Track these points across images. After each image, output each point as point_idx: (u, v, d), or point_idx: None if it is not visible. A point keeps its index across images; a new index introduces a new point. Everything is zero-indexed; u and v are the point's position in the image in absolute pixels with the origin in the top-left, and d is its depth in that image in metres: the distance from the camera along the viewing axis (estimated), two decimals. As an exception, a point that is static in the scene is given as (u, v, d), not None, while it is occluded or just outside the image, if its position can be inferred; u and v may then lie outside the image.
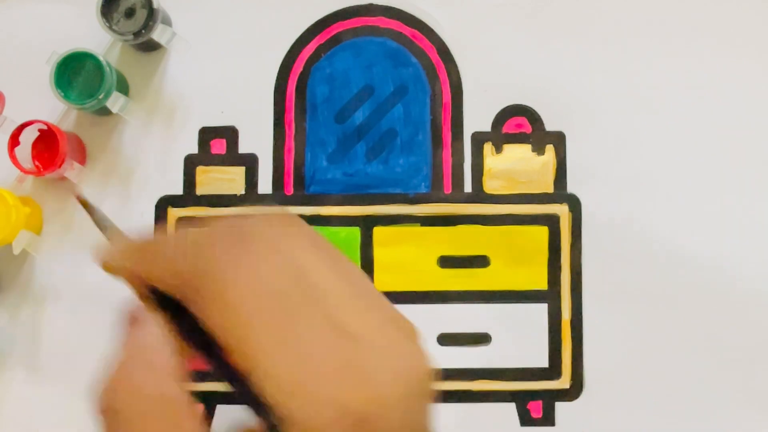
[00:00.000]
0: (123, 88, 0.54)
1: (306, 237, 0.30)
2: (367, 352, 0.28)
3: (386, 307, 0.31)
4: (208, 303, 0.29)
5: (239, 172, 0.54)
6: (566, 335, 0.53)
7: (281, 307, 0.28)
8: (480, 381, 0.53)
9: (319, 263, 0.29)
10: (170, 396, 0.32)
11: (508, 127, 0.54)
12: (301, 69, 0.55)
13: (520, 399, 0.53)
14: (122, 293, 0.54)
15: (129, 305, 0.34)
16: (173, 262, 0.31)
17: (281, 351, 0.27)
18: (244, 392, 0.29)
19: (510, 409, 0.53)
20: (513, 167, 0.54)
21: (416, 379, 0.28)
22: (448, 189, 0.54)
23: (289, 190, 0.54)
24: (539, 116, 0.54)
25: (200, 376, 0.54)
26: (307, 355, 0.27)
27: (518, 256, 0.53)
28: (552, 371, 0.53)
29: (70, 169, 0.52)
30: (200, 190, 0.54)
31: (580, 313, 0.53)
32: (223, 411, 0.53)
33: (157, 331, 0.32)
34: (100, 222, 0.41)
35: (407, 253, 0.53)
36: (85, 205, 0.42)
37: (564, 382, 0.53)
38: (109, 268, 0.36)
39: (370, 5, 0.55)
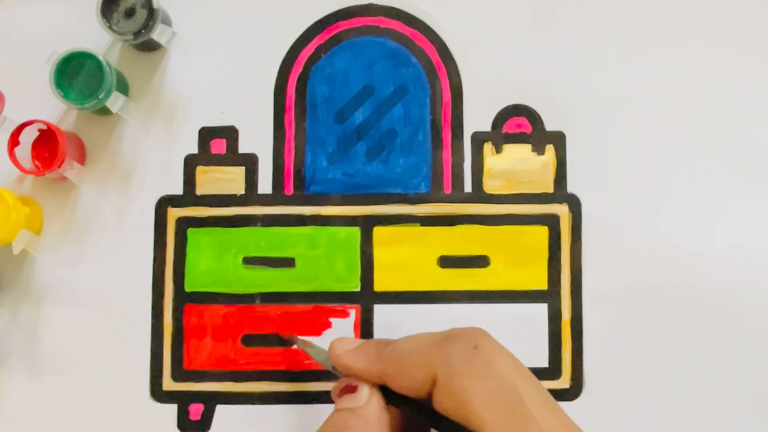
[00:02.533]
0: (123, 88, 0.54)
1: (515, 361, 0.41)
2: None
3: (574, 427, 0.40)
4: (444, 389, 0.40)
5: (239, 172, 0.54)
6: (566, 335, 0.53)
7: (502, 410, 0.38)
8: (480, 381, 0.53)
9: (529, 385, 0.39)
10: None
11: (508, 127, 0.54)
12: (301, 69, 0.55)
13: (520, 399, 0.53)
14: (122, 293, 0.54)
15: (343, 380, 0.45)
16: (414, 361, 0.42)
17: None
18: None
19: (510, 409, 0.53)
20: (513, 167, 0.54)
21: None
22: (448, 189, 0.54)
23: (289, 190, 0.54)
24: (539, 116, 0.54)
25: (200, 377, 0.55)
26: None
27: (518, 256, 0.53)
28: (552, 371, 0.53)
29: (70, 169, 0.52)
30: (200, 190, 0.54)
31: (580, 313, 0.53)
32: (223, 411, 0.53)
33: (370, 396, 0.43)
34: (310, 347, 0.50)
35: (407, 253, 0.53)
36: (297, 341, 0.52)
37: (564, 382, 0.53)
38: (345, 369, 0.45)
39: (370, 5, 0.55)
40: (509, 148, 0.54)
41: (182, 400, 0.53)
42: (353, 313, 0.53)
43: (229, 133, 0.54)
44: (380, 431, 0.42)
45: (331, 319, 0.53)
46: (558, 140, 0.54)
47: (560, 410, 0.40)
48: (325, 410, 0.52)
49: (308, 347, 0.50)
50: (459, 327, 0.43)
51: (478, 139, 0.54)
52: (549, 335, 0.53)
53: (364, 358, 0.44)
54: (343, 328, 0.53)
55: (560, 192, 0.54)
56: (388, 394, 0.43)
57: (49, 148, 0.52)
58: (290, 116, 0.54)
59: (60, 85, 0.51)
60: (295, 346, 0.52)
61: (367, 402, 0.43)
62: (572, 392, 0.52)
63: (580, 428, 0.39)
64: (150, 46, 0.54)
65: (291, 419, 0.53)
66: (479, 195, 0.54)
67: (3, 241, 0.51)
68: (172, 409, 0.53)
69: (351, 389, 0.44)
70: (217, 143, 0.54)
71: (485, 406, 0.38)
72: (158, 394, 0.53)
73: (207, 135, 0.54)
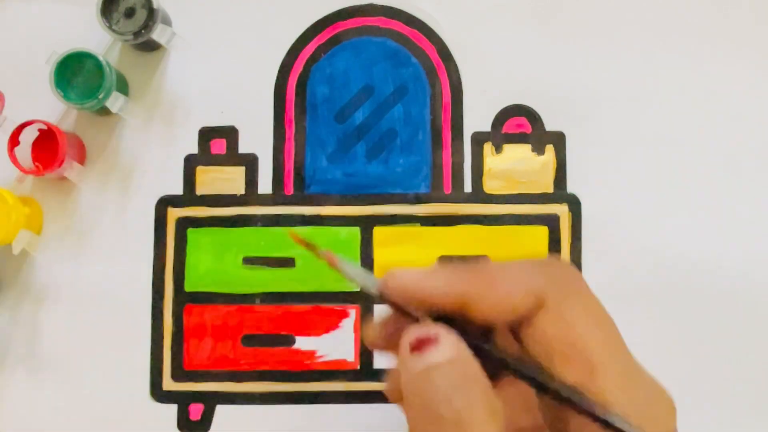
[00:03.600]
0: (123, 88, 0.54)
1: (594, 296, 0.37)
2: (654, 394, 0.38)
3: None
4: (548, 315, 0.34)
5: (239, 172, 0.54)
6: (566, 335, 0.53)
7: (613, 345, 0.36)
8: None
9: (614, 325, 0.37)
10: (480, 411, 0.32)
11: (508, 127, 0.54)
12: (301, 69, 0.55)
13: (520, 399, 0.52)
14: (122, 293, 0.54)
15: (415, 330, 0.34)
16: (511, 284, 0.34)
17: (612, 372, 0.35)
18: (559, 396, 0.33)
19: (510, 409, 0.53)
20: (513, 167, 0.54)
21: (675, 416, 0.39)
22: (448, 189, 0.54)
23: (289, 190, 0.54)
24: (539, 116, 0.54)
25: (200, 376, 0.54)
26: (637, 392, 0.36)
27: (518, 256, 0.53)
28: (552, 371, 0.53)
29: (70, 169, 0.52)
30: (200, 190, 0.54)
31: (580, 313, 0.53)
32: (223, 411, 0.53)
33: (459, 344, 0.33)
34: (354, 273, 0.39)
35: (407, 253, 0.53)
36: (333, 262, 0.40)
37: (564, 382, 0.53)
38: (413, 292, 0.35)
39: (370, 5, 0.55)
40: (509, 148, 0.54)
41: (182, 400, 0.53)
42: (353, 313, 0.53)
43: (229, 133, 0.54)
44: (486, 386, 0.32)
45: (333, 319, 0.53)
46: (558, 140, 0.54)
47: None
48: (325, 410, 0.52)
49: (339, 262, 0.39)
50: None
51: (478, 139, 0.54)
52: (549, 335, 0.53)
53: (441, 276, 0.34)
54: (343, 327, 0.53)
55: (560, 192, 0.54)
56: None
57: (49, 148, 0.52)
58: (290, 116, 0.54)
59: (60, 85, 0.51)
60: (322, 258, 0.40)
61: (459, 351, 0.33)
62: (572, 392, 0.52)
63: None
64: (150, 46, 0.54)
65: (291, 419, 0.53)
66: (479, 195, 0.54)
67: (3, 241, 0.51)
68: (172, 409, 0.53)
69: (428, 341, 0.33)
70: (217, 143, 0.54)
71: (596, 341, 0.34)
72: (158, 394, 0.53)
73: (207, 135, 0.54)
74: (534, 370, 0.34)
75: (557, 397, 0.33)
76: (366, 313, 0.53)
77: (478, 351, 0.33)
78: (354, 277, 0.37)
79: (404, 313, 0.35)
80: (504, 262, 0.36)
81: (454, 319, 0.34)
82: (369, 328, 0.37)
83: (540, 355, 0.33)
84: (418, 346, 0.33)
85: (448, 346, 0.32)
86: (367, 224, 0.54)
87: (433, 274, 0.34)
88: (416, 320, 0.34)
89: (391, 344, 0.35)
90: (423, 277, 0.34)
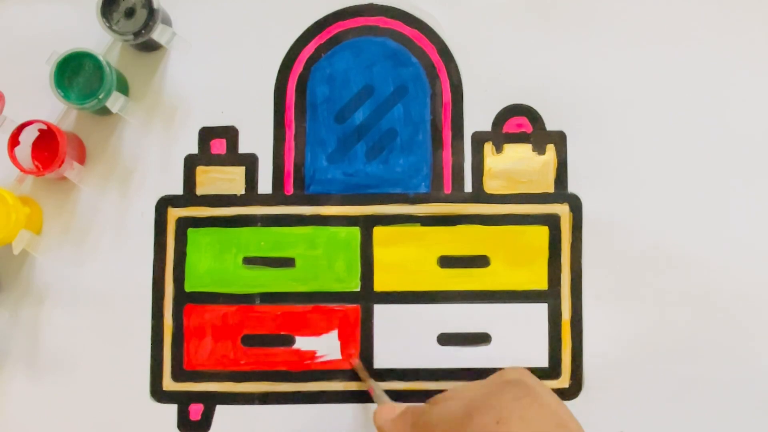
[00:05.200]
0: (123, 88, 0.54)
1: (542, 411, 0.40)
2: None
3: None
4: None
5: (239, 172, 0.54)
6: (566, 335, 0.53)
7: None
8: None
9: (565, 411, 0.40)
10: None
11: (509, 127, 0.54)
12: (301, 69, 0.55)
13: (521, 399, 0.53)
14: (122, 293, 0.54)
15: None
16: None
17: None
18: None
19: (510, 409, 0.53)
20: (513, 167, 0.54)
21: None
22: (448, 189, 0.54)
23: (289, 190, 0.54)
24: (539, 116, 0.54)
25: (200, 376, 0.54)
26: None
27: (518, 256, 0.53)
28: (552, 371, 0.53)
29: (70, 169, 0.52)
30: (200, 190, 0.54)
31: (580, 313, 0.53)
32: (223, 411, 0.53)
33: None
34: (375, 389, 0.51)
35: (407, 253, 0.53)
36: (362, 373, 0.52)
37: (564, 382, 0.53)
38: (379, 428, 0.46)
39: (370, 5, 0.55)
40: (509, 148, 0.54)
41: (182, 400, 0.53)
42: (353, 313, 0.53)
43: (229, 133, 0.54)
44: None
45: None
46: (559, 140, 0.54)
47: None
48: (325, 410, 0.52)
49: (371, 382, 0.52)
50: (496, 383, 0.42)
51: (478, 139, 0.54)
52: (549, 335, 0.53)
53: (401, 428, 0.45)
54: (343, 328, 0.53)
55: (561, 192, 0.54)
56: None
57: (49, 148, 0.52)
58: (290, 116, 0.54)
59: (60, 85, 0.51)
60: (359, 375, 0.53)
61: None
62: (572, 391, 0.52)
63: None
64: (150, 46, 0.54)
65: (291, 419, 0.53)
66: (479, 195, 0.54)
67: (3, 241, 0.51)
68: (172, 409, 0.53)
69: None
70: (217, 143, 0.54)
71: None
72: (158, 394, 0.53)
73: (207, 135, 0.54)
74: None
75: None
76: (366, 314, 0.53)
77: None
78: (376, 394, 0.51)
79: None
80: (445, 408, 0.42)
81: None
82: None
83: None
84: None
85: None
86: (367, 224, 0.54)
87: (394, 428, 0.45)
88: None
89: None
90: (385, 425, 0.46)
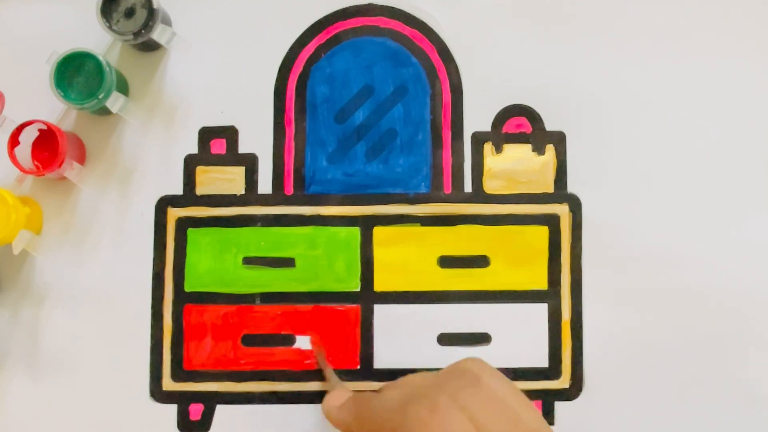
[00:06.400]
0: (123, 88, 0.54)
1: (489, 403, 0.40)
2: None
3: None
4: None
5: (239, 172, 0.54)
6: (566, 335, 0.53)
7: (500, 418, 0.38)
8: (480, 381, 0.53)
9: (519, 399, 0.40)
10: None
11: (508, 127, 0.54)
12: (301, 69, 0.55)
13: (520, 399, 0.53)
14: (122, 293, 0.54)
15: None
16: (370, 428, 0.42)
17: None
18: None
19: (510, 409, 0.53)
20: (513, 167, 0.54)
21: None
22: (448, 189, 0.54)
23: (289, 190, 0.54)
24: (539, 116, 0.54)
25: (200, 377, 0.54)
26: None
27: (518, 256, 0.53)
28: (552, 371, 0.53)
29: (70, 169, 0.52)
30: (200, 190, 0.54)
31: (580, 313, 0.53)
32: (223, 411, 0.53)
33: None
34: (329, 375, 0.51)
35: (407, 253, 0.53)
36: (321, 354, 0.52)
37: (564, 382, 0.53)
38: (326, 415, 0.47)
39: (370, 5, 0.55)
40: (509, 148, 0.54)
41: (182, 400, 0.53)
42: (353, 313, 0.53)
43: (229, 133, 0.54)
44: None
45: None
46: (558, 140, 0.54)
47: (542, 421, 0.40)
48: (325, 410, 0.53)
49: (327, 367, 0.52)
50: (445, 373, 0.42)
51: (478, 139, 0.54)
52: (549, 335, 0.53)
53: (345, 416, 0.46)
54: (343, 327, 0.53)
55: (560, 192, 0.54)
56: None
57: (49, 148, 0.52)
58: (290, 116, 0.54)
59: (60, 85, 0.51)
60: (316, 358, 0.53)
61: None
62: (572, 392, 0.52)
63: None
64: (150, 46, 0.54)
65: (291, 419, 0.53)
66: (479, 195, 0.54)
67: (3, 241, 0.51)
68: (172, 409, 0.53)
69: None
70: (217, 143, 0.54)
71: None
72: (158, 394, 0.53)
73: (207, 135, 0.54)
74: None
75: None
76: (366, 314, 0.53)
77: None
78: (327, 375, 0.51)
79: None
80: (383, 399, 0.43)
81: None
82: None
83: None
84: None
85: None
86: (367, 224, 0.54)
87: (339, 414, 0.46)
88: None
89: None
90: (334, 417, 0.46)
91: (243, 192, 0.54)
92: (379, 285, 0.53)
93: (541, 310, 0.53)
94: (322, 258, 0.53)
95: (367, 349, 0.53)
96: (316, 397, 0.53)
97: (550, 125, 0.54)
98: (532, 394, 0.52)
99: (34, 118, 0.52)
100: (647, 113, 0.54)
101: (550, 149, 0.54)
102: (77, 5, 0.54)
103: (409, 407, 0.40)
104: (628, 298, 0.53)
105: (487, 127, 0.54)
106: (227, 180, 0.54)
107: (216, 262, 0.54)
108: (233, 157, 0.54)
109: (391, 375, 0.52)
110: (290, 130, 0.54)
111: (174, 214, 0.54)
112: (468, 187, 0.54)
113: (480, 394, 0.39)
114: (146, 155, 0.54)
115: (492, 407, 0.39)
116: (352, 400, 0.46)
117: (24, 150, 0.53)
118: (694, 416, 0.52)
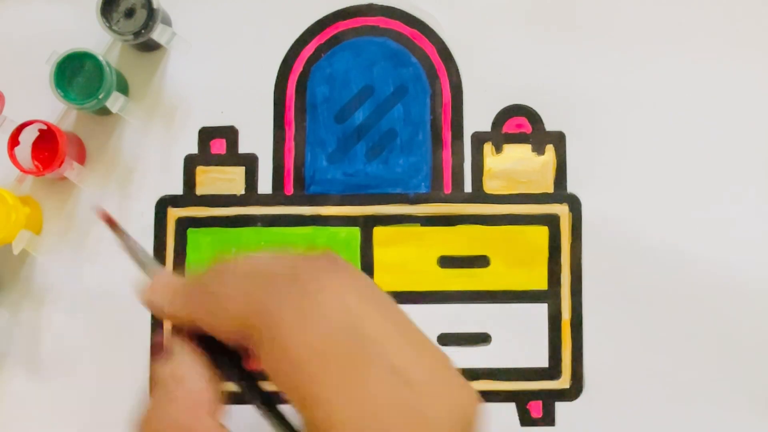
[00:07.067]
0: (123, 88, 0.54)
1: (355, 283, 0.32)
2: (425, 396, 0.30)
3: (433, 349, 0.32)
4: (264, 345, 0.31)
5: (239, 172, 0.54)
6: (566, 335, 0.53)
7: (340, 355, 0.30)
8: (480, 381, 0.53)
9: (372, 311, 0.31)
10: (204, 430, 0.33)
11: (508, 127, 0.54)
12: (301, 69, 0.55)
13: (520, 399, 0.53)
14: (121, 294, 0.54)
15: (157, 335, 0.37)
16: (226, 305, 0.32)
17: (344, 399, 0.29)
18: (284, 423, 0.33)
19: (510, 409, 0.53)
20: (513, 167, 0.54)
21: (469, 416, 0.31)
22: (448, 189, 0.54)
23: (289, 190, 0.54)
24: (539, 116, 0.54)
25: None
26: (371, 402, 0.29)
27: (518, 256, 0.53)
28: (552, 371, 0.53)
29: (70, 169, 0.52)
30: (200, 190, 0.54)
31: (580, 313, 0.53)
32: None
33: (190, 361, 0.34)
34: (135, 252, 0.40)
35: (407, 253, 0.53)
36: (117, 230, 0.41)
37: (564, 382, 0.53)
38: (152, 307, 0.37)
39: (370, 5, 0.55)
40: (509, 148, 0.54)
41: (182, 400, 0.53)
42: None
43: (229, 133, 0.54)
44: (204, 408, 0.33)
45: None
46: (558, 140, 0.54)
47: (421, 343, 0.32)
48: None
49: (126, 240, 0.40)
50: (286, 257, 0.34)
51: (478, 139, 0.54)
52: (549, 335, 0.53)
53: (176, 294, 0.36)
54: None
55: (560, 192, 0.54)
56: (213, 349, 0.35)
57: (49, 148, 0.52)
58: (290, 116, 0.54)
59: (60, 85, 0.51)
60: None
61: (190, 368, 0.34)
62: (572, 392, 0.52)
63: (442, 353, 0.32)
64: (150, 46, 0.54)
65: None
66: (479, 195, 0.54)
67: (3, 241, 0.51)
68: (172, 409, 0.53)
69: (165, 351, 0.35)
70: (217, 143, 0.54)
71: (314, 359, 0.30)
72: (158, 394, 0.53)
73: (207, 135, 0.54)
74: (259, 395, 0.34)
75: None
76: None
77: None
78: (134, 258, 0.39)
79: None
80: (232, 275, 0.34)
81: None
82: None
83: (274, 385, 0.32)
84: (161, 352, 0.34)
85: (176, 362, 0.34)
86: (367, 224, 0.54)
87: (170, 290, 0.36)
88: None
89: None
90: (161, 292, 0.36)
91: (243, 192, 0.54)
92: (380, 285, 0.53)
93: (541, 310, 0.53)
94: (322, 258, 0.53)
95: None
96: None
97: (550, 125, 0.54)
98: (532, 395, 0.52)
99: (34, 118, 0.52)
100: (647, 113, 0.54)
101: (549, 149, 0.54)
102: (77, 5, 0.54)
103: (271, 284, 0.32)
104: (628, 298, 0.53)
105: (487, 127, 0.54)
106: (227, 180, 0.54)
107: (216, 262, 0.54)
108: (233, 157, 0.54)
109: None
110: (290, 130, 0.54)
111: (174, 214, 0.54)
112: (468, 187, 0.54)
113: (347, 278, 0.32)
114: (146, 155, 0.54)
115: (366, 294, 0.32)
116: (189, 282, 0.36)
117: (24, 150, 0.53)
118: (694, 416, 0.52)
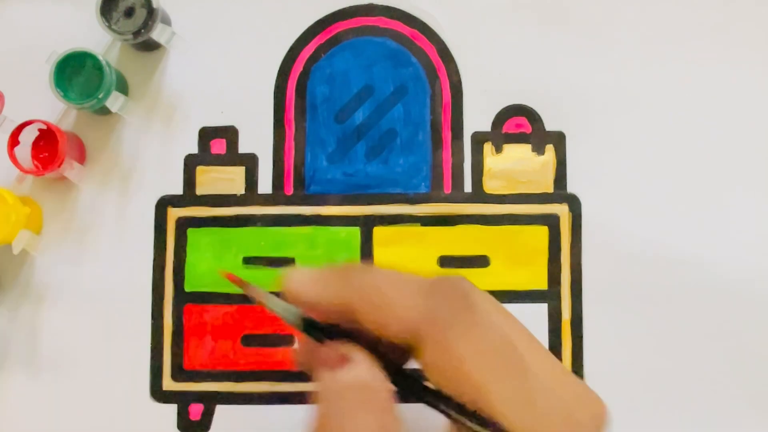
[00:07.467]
0: (122, 87, 0.54)
1: (495, 301, 0.37)
2: (571, 403, 0.35)
3: (558, 361, 0.38)
4: (428, 346, 0.35)
5: (239, 172, 0.54)
6: (566, 335, 0.53)
7: (504, 365, 0.34)
8: (480, 381, 0.53)
9: (517, 327, 0.36)
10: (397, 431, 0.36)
11: (508, 127, 0.54)
12: (301, 69, 0.55)
13: (520, 399, 0.53)
14: (122, 293, 0.54)
15: (331, 347, 0.38)
16: (400, 313, 0.36)
17: (516, 400, 0.34)
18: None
19: (510, 409, 0.53)
20: (513, 167, 0.54)
21: (605, 421, 0.36)
22: (448, 189, 0.54)
23: (289, 190, 0.54)
24: (539, 116, 0.54)
25: (199, 376, 0.54)
26: (537, 406, 0.34)
27: (518, 256, 0.53)
28: (552, 371, 0.53)
29: (70, 169, 0.52)
30: (200, 190, 0.54)
31: (580, 313, 0.53)
32: (223, 411, 0.53)
33: (370, 364, 0.36)
34: (275, 305, 0.40)
35: (407, 253, 0.53)
36: (248, 289, 0.41)
37: (564, 382, 0.53)
38: (299, 293, 0.38)
39: (370, 5, 0.55)
40: (509, 148, 0.54)
41: (182, 400, 0.53)
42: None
43: (229, 133, 0.54)
44: (384, 412, 0.35)
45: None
46: (558, 140, 0.54)
47: (552, 357, 0.37)
48: (325, 410, 0.52)
49: (263, 297, 0.40)
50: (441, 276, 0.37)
51: (478, 139, 0.54)
52: (549, 335, 0.53)
53: (330, 283, 0.37)
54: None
55: (560, 192, 0.54)
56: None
57: (49, 148, 0.52)
58: (290, 116, 0.55)
59: (60, 85, 0.51)
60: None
61: (368, 373, 0.36)
62: (572, 392, 0.52)
63: (572, 373, 0.38)
64: (150, 46, 0.54)
65: (291, 419, 0.53)
66: (479, 195, 0.54)
67: (3, 241, 0.51)
68: (172, 409, 0.53)
69: (342, 359, 0.36)
70: (217, 143, 0.54)
71: (483, 366, 0.34)
72: (158, 394, 0.53)
73: (207, 135, 0.54)
74: (438, 397, 0.36)
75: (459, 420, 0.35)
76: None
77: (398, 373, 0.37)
78: (274, 309, 0.40)
79: (318, 338, 0.39)
80: (392, 276, 0.38)
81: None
82: (294, 352, 0.41)
83: (435, 384, 0.36)
84: (332, 364, 0.36)
85: (359, 368, 0.36)
86: (367, 224, 0.54)
87: (322, 280, 0.37)
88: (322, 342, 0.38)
89: (312, 365, 0.39)
90: (313, 282, 0.37)
91: (243, 192, 0.54)
92: (379, 285, 0.53)
93: (541, 310, 0.53)
94: (322, 258, 0.53)
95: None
96: (316, 397, 0.53)
97: (550, 125, 0.54)
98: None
99: (34, 117, 0.52)
100: (647, 113, 0.54)
101: (549, 149, 0.54)
102: (77, 5, 0.54)
103: (438, 292, 0.36)
104: (628, 297, 0.53)
105: (487, 127, 0.54)
106: (227, 180, 0.54)
107: (216, 262, 0.54)
108: (233, 157, 0.54)
109: (391, 375, 0.52)
110: (290, 130, 0.54)
111: (174, 214, 0.54)
112: (468, 187, 0.54)
113: (489, 297, 0.36)
114: (146, 155, 0.54)
115: (504, 312, 0.36)
116: (338, 267, 0.38)
117: (24, 150, 0.53)
118: (695, 416, 0.52)
